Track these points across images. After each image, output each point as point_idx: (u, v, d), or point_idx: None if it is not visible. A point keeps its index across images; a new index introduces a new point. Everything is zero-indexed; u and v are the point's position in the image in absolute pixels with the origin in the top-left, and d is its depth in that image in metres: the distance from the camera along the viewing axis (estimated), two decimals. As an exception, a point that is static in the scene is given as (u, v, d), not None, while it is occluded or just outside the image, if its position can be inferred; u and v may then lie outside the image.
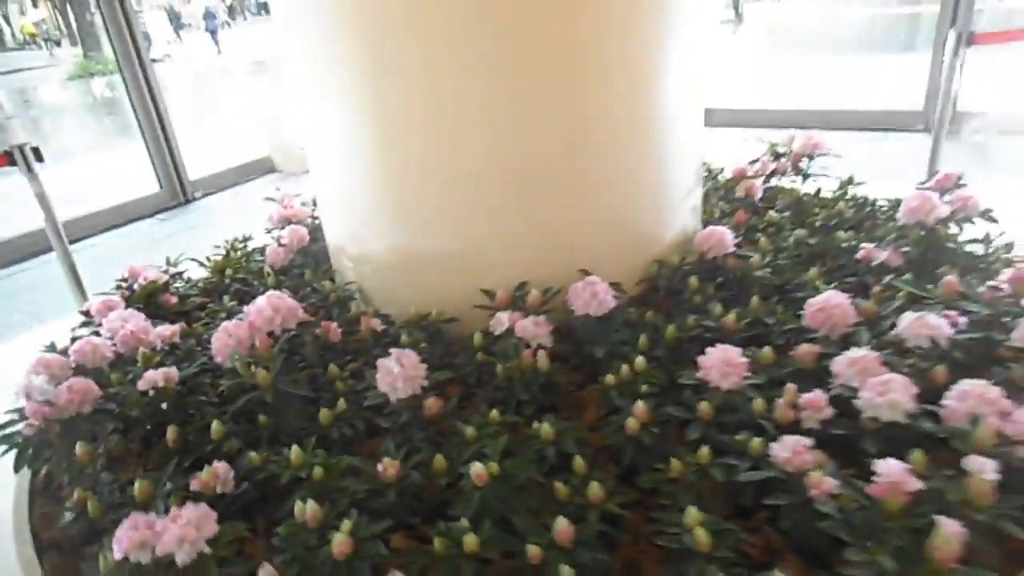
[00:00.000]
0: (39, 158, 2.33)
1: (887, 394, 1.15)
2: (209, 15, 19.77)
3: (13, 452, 1.40)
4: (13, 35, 28.09)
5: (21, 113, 12.94)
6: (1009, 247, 1.78)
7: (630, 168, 1.78)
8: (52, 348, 1.68)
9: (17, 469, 1.39)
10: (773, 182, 2.46)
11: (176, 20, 22.92)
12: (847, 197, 2.24)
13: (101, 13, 4.53)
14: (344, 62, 1.61)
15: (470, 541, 1.01)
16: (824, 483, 1.02)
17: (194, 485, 1.21)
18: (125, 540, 1.00)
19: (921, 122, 3.95)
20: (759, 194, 2.29)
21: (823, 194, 2.31)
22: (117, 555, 1.00)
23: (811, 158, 2.35)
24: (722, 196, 2.39)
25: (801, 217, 2.14)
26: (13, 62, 20.84)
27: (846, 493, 1.03)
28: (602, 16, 1.57)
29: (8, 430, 1.43)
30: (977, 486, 0.95)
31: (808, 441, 1.09)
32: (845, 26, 11.69)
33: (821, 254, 1.90)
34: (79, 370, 1.56)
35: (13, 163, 2.31)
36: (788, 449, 1.08)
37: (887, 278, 1.67)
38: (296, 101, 1.83)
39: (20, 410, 1.44)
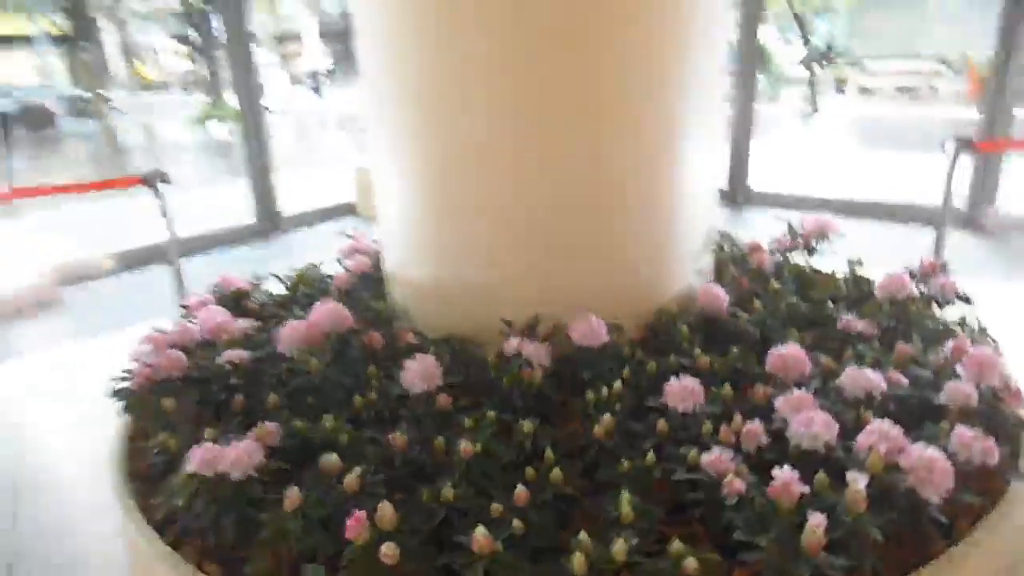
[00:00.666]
0: (166, 182, 2.87)
1: (810, 427, 1.38)
2: (313, 75, 22.18)
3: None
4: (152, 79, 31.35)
5: (147, 146, 14.55)
6: (984, 331, 1.96)
7: (643, 231, 2.07)
8: (157, 329, 2.10)
9: (123, 414, 1.79)
10: (791, 258, 2.70)
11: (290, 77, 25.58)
12: (853, 276, 2.45)
13: (229, 67, 5.30)
14: (397, 124, 2.02)
15: (447, 493, 1.31)
16: (735, 483, 1.26)
17: (250, 437, 1.56)
18: (197, 458, 1.35)
19: (961, 220, 4.08)
20: (768, 266, 2.53)
21: (836, 273, 2.53)
22: (190, 469, 1.35)
23: (822, 239, 2.57)
24: (738, 265, 2.64)
25: (802, 289, 2.37)
26: (146, 102, 23.35)
27: (755, 495, 1.26)
28: (627, 92, 1.90)
29: (119, 385, 1.83)
30: (852, 495, 1.17)
31: (729, 453, 1.34)
32: (925, 125, 11.72)
33: (811, 321, 2.12)
34: (175, 346, 1.97)
35: (147, 184, 2.85)
36: (713, 456, 1.33)
37: (860, 345, 1.88)
38: (370, 153, 2.25)
39: (129, 371, 1.85)
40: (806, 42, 15.81)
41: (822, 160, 8.26)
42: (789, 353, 1.65)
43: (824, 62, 16.20)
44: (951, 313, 2.06)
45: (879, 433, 1.32)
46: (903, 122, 12.48)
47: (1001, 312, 2.00)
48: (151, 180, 2.85)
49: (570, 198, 1.96)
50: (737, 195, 5.28)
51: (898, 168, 7.01)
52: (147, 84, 29.59)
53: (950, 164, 2.69)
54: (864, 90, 17.80)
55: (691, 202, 2.16)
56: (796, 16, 15.56)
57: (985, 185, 3.89)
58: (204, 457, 1.34)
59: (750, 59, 5.10)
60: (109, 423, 1.87)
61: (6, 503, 2.23)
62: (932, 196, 5.27)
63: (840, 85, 19.38)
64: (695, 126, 2.06)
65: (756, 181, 5.31)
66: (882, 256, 2.57)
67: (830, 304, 2.15)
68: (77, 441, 2.17)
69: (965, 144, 2.67)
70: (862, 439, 1.34)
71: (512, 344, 1.89)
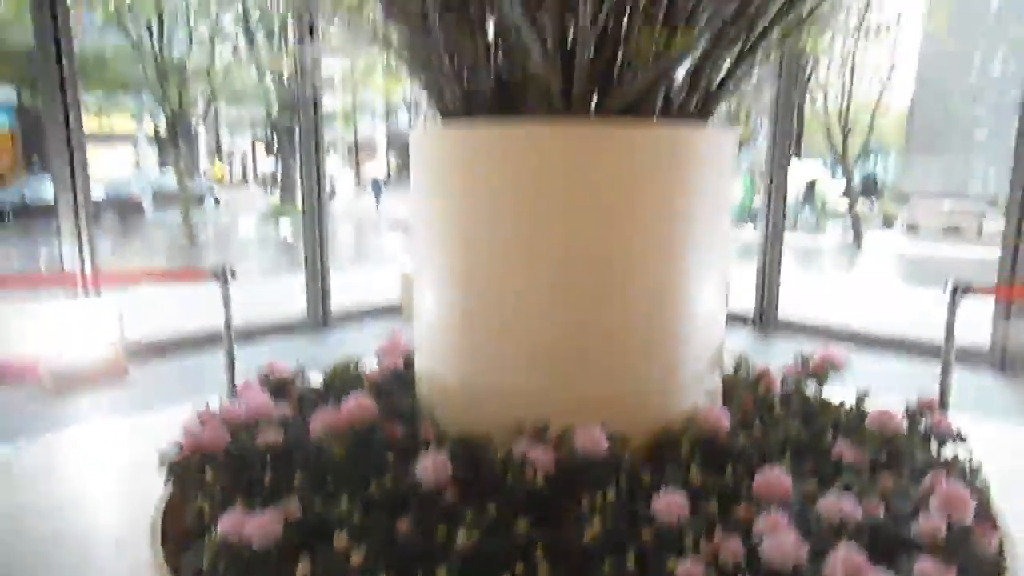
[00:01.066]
0: (233, 276, 3.22)
1: (781, 548, 1.49)
2: (375, 182, 25.25)
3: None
4: (232, 177, 34.07)
5: (220, 238, 15.68)
6: (977, 471, 2.02)
7: (652, 355, 2.25)
8: (206, 407, 2.35)
9: (166, 482, 2.00)
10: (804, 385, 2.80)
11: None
12: (857, 407, 2.54)
13: (301, 172, 5.86)
14: (435, 245, 2.30)
15: (441, 573, 1.45)
16: (702, 591, 1.37)
17: (274, 511, 1.74)
18: (227, 523, 1.53)
19: (988, 361, 4.09)
20: (776, 391, 2.64)
21: (845, 404, 2.62)
22: (220, 530, 1.53)
23: (831, 370, 2.69)
24: (748, 389, 2.76)
25: (807, 416, 2.47)
26: (226, 199, 25.30)
27: (721, 605, 1.36)
28: (639, 242, 2.14)
29: (168, 455, 2.06)
30: (807, 610, 1.27)
31: (702, 564, 1.45)
32: (966, 264, 11.69)
33: (809, 447, 2.21)
34: (221, 424, 2.20)
35: (215, 277, 3.21)
36: (688, 565, 1.44)
37: (849, 474, 1.97)
38: (412, 262, 2.54)
39: (179, 443, 2.08)
40: (848, 177, 16.25)
41: (858, 293, 8.35)
42: (772, 476, 1.77)
43: (870, 197, 16.54)
44: (953, 449, 2.13)
45: (843, 558, 1.42)
46: (945, 260, 12.49)
47: (1007, 453, 2.06)
48: (218, 274, 3.21)
49: (586, 325, 2.17)
50: (765, 323, 5.41)
51: (933, 306, 7.03)
52: (220, 182, 32.14)
53: (950, 306, 2.82)
54: (911, 227, 17.94)
55: (697, 330, 2.34)
56: (834, 150, 16.11)
57: (1008, 325, 3.94)
58: (232, 524, 1.53)
59: (780, 192, 5.38)
60: (156, 489, 2.08)
61: (60, 557, 2.42)
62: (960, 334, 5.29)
63: (887, 220, 19.65)
64: (702, 264, 2.28)
65: (786, 310, 5.45)
66: (900, 389, 2.66)
67: (830, 433, 2.24)
68: (124, 505, 2.38)
69: (963, 288, 2.81)
70: (830, 563, 1.44)
71: (520, 447, 2.05)
